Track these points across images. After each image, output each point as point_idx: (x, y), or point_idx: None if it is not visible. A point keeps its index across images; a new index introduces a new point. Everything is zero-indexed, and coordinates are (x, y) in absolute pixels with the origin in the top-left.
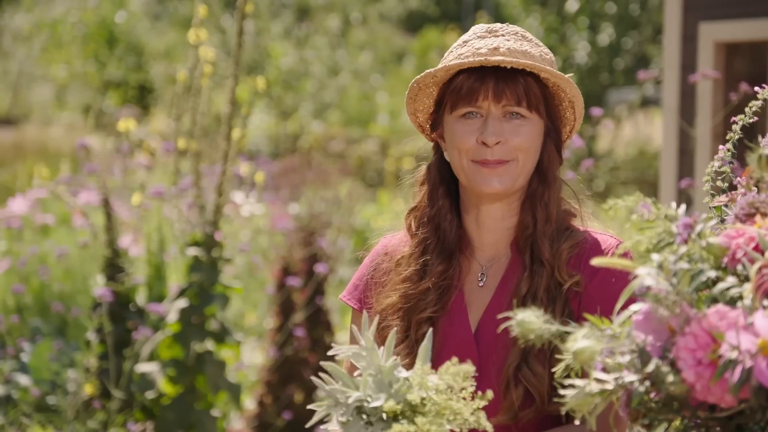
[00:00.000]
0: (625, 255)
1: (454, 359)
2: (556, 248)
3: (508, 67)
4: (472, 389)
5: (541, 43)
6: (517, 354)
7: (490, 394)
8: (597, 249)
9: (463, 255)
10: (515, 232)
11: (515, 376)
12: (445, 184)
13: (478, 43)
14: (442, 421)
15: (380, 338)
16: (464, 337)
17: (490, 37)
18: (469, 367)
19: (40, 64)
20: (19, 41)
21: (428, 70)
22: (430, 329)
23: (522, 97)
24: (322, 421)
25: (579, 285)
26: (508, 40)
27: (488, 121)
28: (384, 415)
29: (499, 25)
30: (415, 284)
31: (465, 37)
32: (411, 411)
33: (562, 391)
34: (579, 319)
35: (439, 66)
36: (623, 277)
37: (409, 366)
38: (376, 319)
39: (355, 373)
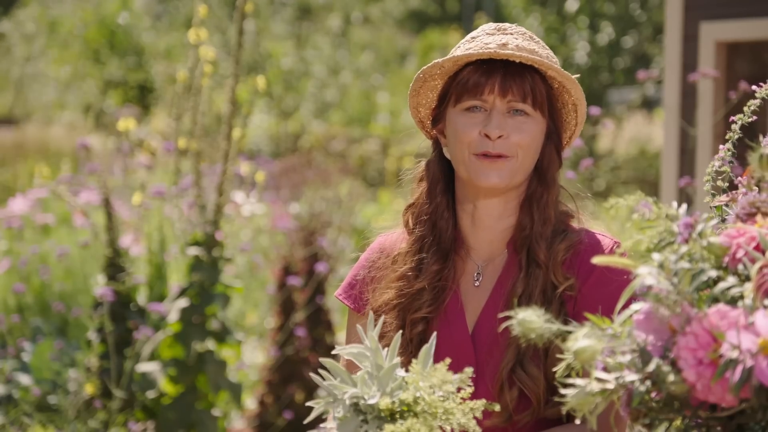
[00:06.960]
0: (622, 255)
1: (448, 360)
2: (552, 250)
3: (517, 62)
4: (468, 392)
5: (547, 47)
6: (512, 355)
7: (497, 406)
8: (593, 250)
9: (459, 255)
10: (512, 233)
11: (509, 377)
12: (443, 181)
13: (487, 38)
14: (434, 423)
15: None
16: (461, 338)
17: (498, 34)
18: (466, 372)
19: (42, 63)
20: (21, 41)
21: (436, 60)
22: (434, 333)
23: (528, 94)
24: (322, 420)
25: (573, 288)
26: (517, 39)
27: (492, 114)
28: (380, 413)
29: (508, 24)
30: (410, 282)
31: (473, 33)
32: (407, 410)
33: (563, 391)
34: (574, 321)
35: (447, 57)
36: (618, 279)
37: (404, 365)
38: (381, 319)
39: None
